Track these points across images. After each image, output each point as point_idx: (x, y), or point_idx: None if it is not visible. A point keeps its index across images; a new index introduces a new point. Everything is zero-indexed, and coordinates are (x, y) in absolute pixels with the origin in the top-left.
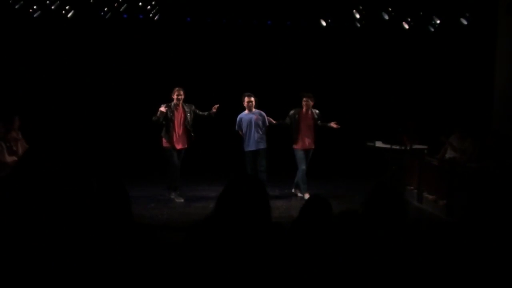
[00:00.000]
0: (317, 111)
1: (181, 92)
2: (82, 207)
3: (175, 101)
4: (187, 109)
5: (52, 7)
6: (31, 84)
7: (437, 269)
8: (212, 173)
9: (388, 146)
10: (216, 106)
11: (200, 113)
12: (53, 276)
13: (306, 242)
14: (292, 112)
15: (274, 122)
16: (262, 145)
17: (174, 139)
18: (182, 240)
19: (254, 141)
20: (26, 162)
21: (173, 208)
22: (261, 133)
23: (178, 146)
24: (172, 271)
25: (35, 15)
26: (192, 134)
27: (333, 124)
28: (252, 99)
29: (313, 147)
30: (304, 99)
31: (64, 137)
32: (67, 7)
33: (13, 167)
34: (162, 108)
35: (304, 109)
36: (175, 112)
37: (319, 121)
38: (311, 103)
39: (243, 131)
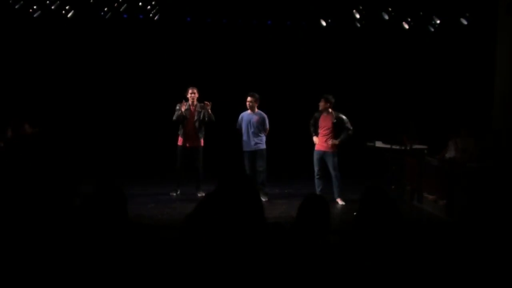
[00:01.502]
0: (340, 115)
1: (195, 91)
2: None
3: (189, 100)
4: (199, 109)
5: (52, 7)
6: (31, 84)
7: (437, 269)
8: (213, 173)
9: (388, 146)
10: (207, 102)
11: (206, 115)
12: (47, 277)
13: (305, 241)
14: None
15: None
16: (260, 146)
17: (186, 136)
18: (176, 240)
19: (252, 142)
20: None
21: (173, 208)
22: (259, 134)
23: (190, 144)
24: (169, 271)
25: (35, 15)
26: (201, 133)
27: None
28: (251, 99)
29: (329, 150)
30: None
31: (63, 137)
32: (67, 7)
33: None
34: (178, 107)
35: (320, 110)
36: (188, 110)
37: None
38: (323, 104)
39: (243, 130)
